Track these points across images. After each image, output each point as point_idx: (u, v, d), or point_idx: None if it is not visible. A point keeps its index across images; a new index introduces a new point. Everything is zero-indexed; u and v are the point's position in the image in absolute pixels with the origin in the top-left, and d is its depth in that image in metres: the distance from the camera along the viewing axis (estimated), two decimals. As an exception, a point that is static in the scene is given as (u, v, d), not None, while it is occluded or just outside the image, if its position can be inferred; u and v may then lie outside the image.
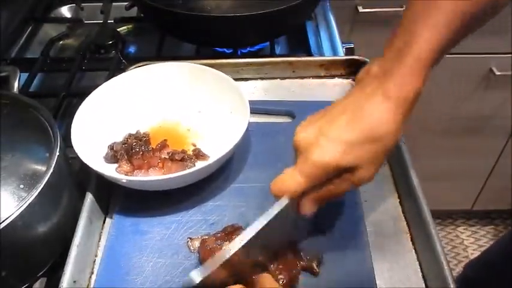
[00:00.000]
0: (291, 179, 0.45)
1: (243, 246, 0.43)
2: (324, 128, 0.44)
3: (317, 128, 0.44)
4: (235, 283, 0.45)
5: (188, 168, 0.57)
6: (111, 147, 0.61)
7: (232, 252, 0.42)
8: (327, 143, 0.43)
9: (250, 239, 0.43)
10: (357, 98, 0.45)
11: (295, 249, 0.51)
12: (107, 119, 0.64)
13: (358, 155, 0.43)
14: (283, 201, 0.45)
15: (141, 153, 0.59)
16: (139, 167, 0.58)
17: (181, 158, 0.59)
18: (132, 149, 0.59)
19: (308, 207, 0.47)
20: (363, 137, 0.43)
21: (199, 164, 0.58)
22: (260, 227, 0.43)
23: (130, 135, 0.63)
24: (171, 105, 0.67)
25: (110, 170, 0.58)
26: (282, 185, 0.45)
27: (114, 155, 0.60)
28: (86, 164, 0.54)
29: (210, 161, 0.56)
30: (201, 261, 0.50)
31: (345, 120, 0.43)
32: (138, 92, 0.67)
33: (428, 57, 0.42)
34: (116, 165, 0.59)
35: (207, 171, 0.57)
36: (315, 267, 0.49)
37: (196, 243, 0.52)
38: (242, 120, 0.59)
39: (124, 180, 0.55)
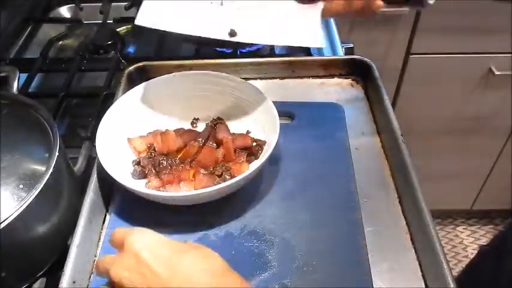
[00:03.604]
0: None
1: None
2: None
3: None
4: None
5: (220, 181, 0.56)
6: (137, 162, 0.60)
7: None
8: None
9: None
10: None
11: None
12: (130, 130, 0.63)
13: None
14: None
15: (169, 167, 0.58)
16: (168, 181, 0.57)
17: (210, 172, 0.58)
18: (160, 164, 0.58)
19: None
20: None
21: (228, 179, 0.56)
22: None
23: (153, 148, 0.61)
24: (190, 113, 0.67)
25: (139, 186, 0.57)
26: None
27: (142, 171, 0.59)
28: (113, 179, 0.54)
29: (247, 172, 0.54)
30: None
31: None
32: (158, 102, 0.65)
33: None
34: (144, 180, 0.59)
35: (239, 184, 0.54)
36: None
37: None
38: (272, 137, 0.58)
39: (159, 196, 0.53)
